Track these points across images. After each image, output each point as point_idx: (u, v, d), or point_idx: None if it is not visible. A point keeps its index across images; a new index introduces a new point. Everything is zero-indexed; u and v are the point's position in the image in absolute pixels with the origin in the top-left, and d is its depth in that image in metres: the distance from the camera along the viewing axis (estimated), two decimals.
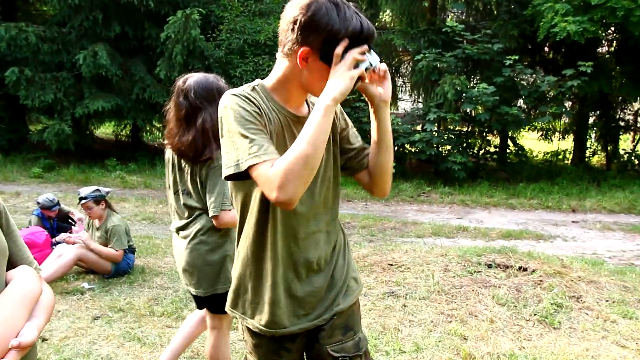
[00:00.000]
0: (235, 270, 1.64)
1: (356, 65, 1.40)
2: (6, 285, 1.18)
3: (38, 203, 5.51)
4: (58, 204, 5.57)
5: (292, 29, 1.41)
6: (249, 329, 1.67)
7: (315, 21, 1.38)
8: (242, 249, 1.60)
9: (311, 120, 1.37)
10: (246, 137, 1.38)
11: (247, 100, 1.45)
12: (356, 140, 1.70)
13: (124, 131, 15.50)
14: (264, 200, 1.50)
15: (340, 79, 1.38)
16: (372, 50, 1.43)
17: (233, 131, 1.40)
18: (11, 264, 1.25)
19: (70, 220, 5.68)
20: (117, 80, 11.77)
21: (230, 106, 1.43)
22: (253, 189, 1.52)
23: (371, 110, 1.58)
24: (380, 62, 1.49)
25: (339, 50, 1.39)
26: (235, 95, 1.45)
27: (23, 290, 1.18)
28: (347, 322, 1.68)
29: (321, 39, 1.40)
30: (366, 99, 1.57)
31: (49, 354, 3.28)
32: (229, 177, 1.43)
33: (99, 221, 4.84)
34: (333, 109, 1.38)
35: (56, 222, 5.64)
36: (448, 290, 4.29)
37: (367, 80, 1.47)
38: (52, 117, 11.96)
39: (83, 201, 4.72)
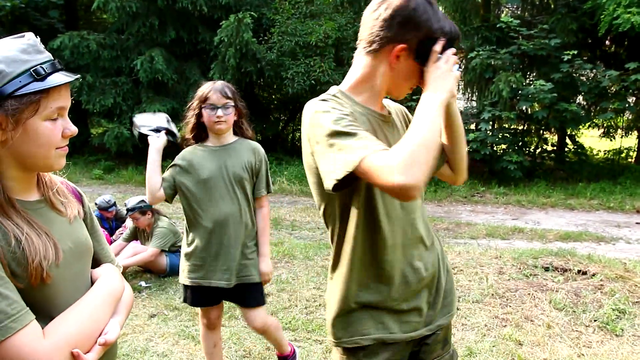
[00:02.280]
0: (337, 290, 1.53)
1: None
2: (92, 282, 1.27)
3: (96, 204, 5.73)
4: (115, 204, 5.78)
5: (389, 25, 1.36)
6: (350, 350, 1.54)
7: (416, 18, 1.34)
8: (345, 266, 1.50)
9: (425, 113, 1.27)
10: (347, 134, 1.27)
11: (336, 103, 1.39)
12: None
13: (179, 133, 15.89)
14: (368, 209, 1.43)
15: (446, 79, 1.33)
16: None
17: (330, 134, 1.29)
18: (95, 262, 1.34)
19: None
20: (173, 83, 12.11)
21: (320, 111, 1.35)
22: (352, 199, 1.43)
23: None
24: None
25: (437, 47, 1.35)
26: (322, 100, 1.40)
27: (108, 288, 1.26)
28: (446, 335, 1.69)
29: (419, 36, 1.36)
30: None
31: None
32: (337, 185, 1.29)
33: (148, 228, 5.01)
34: (443, 106, 1.31)
35: (115, 222, 5.86)
36: (502, 293, 4.17)
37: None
38: (111, 121, 12.48)
39: (130, 212, 4.91)
